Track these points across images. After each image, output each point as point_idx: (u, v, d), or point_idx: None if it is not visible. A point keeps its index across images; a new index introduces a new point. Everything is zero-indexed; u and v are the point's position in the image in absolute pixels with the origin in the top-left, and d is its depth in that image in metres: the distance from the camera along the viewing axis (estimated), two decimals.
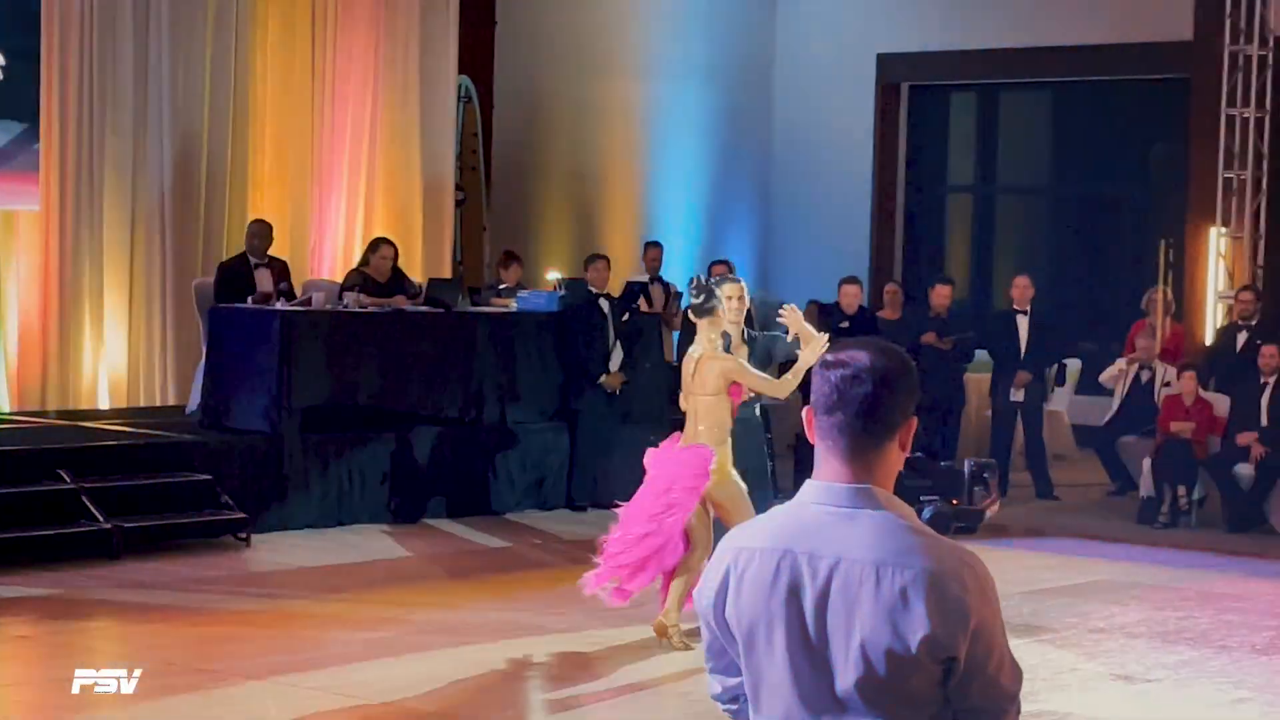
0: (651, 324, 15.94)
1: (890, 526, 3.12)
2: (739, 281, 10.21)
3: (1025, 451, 16.30)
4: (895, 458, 3.19)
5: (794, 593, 3.16)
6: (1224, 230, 17.32)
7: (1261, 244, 17.36)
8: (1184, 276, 18.01)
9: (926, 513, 3.36)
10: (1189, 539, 14.38)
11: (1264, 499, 14.75)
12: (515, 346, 14.80)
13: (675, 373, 15.74)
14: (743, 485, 9.91)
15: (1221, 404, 15.38)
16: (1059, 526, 14.63)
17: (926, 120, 20.52)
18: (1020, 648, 10.26)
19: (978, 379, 17.43)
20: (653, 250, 17.34)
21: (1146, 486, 15.12)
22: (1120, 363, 16.51)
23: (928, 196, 20.68)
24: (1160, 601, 11.82)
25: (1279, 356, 15.08)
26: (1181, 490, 14.95)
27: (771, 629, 3.18)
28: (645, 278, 16.81)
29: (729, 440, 9.90)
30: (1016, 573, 12.60)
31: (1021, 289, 16.24)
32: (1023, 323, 16.09)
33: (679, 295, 17.06)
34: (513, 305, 15.18)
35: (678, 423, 15.54)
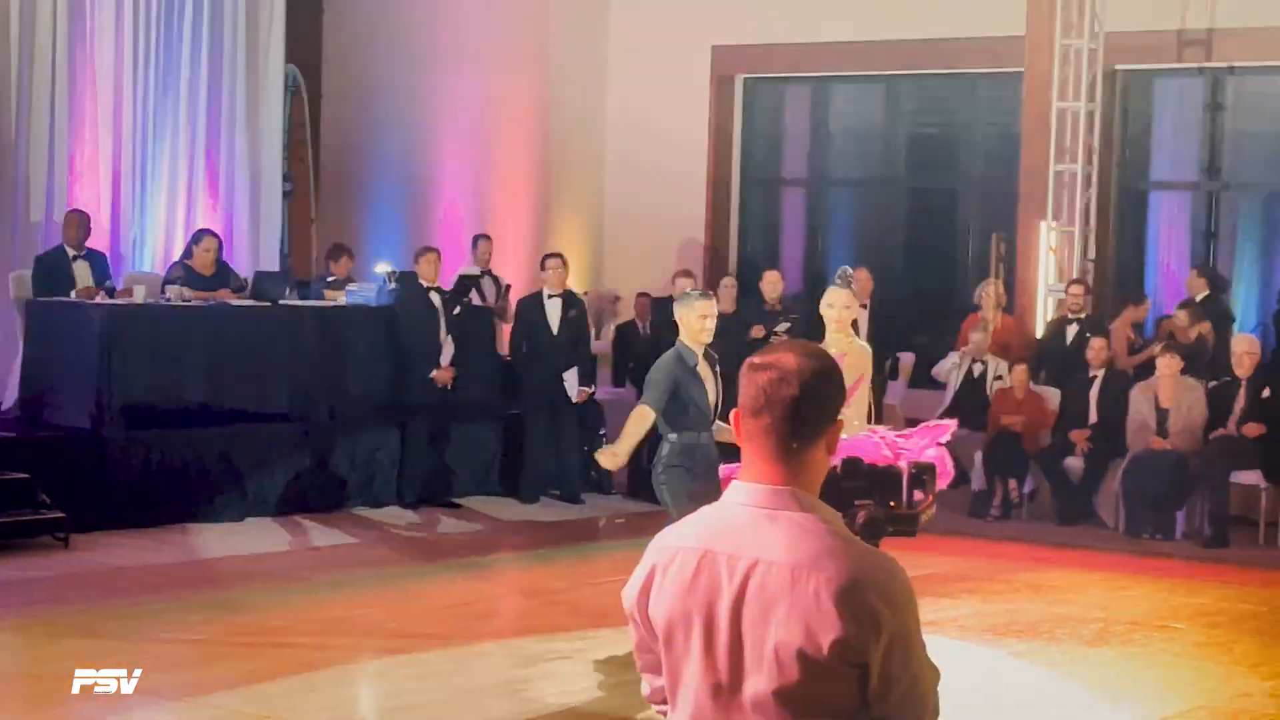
0: (483, 317, 15.74)
1: (811, 529, 3.13)
2: (712, 299, 9.51)
3: None
4: (821, 460, 3.22)
5: (712, 592, 3.18)
6: (1055, 224, 17.42)
7: (1092, 237, 17.49)
8: (1015, 270, 18.10)
9: (861, 518, 3.27)
10: (1020, 531, 14.46)
11: (1093, 492, 14.86)
12: (345, 340, 14.56)
13: (507, 367, 15.66)
14: None
15: (1052, 397, 15.47)
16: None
17: (761, 113, 20.49)
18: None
19: None
20: (483, 243, 17.16)
21: (978, 480, 15.18)
22: (953, 356, 16.56)
23: (762, 189, 20.64)
24: (991, 594, 11.86)
25: (1108, 350, 15.20)
26: (1013, 483, 15.02)
27: (689, 628, 3.20)
28: (477, 271, 16.62)
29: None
30: None
31: (861, 283, 16.20)
32: (862, 316, 16.07)
33: (509, 288, 16.87)
34: (342, 299, 14.93)
35: (511, 417, 15.41)
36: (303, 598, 11.11)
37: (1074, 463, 14.88)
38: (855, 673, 3.09)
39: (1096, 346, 15.16)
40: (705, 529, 3.24)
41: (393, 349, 14.64)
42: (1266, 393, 14.25)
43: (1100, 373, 15.07)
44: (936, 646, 8.86)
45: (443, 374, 14.57)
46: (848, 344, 9.79)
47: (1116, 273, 18.04)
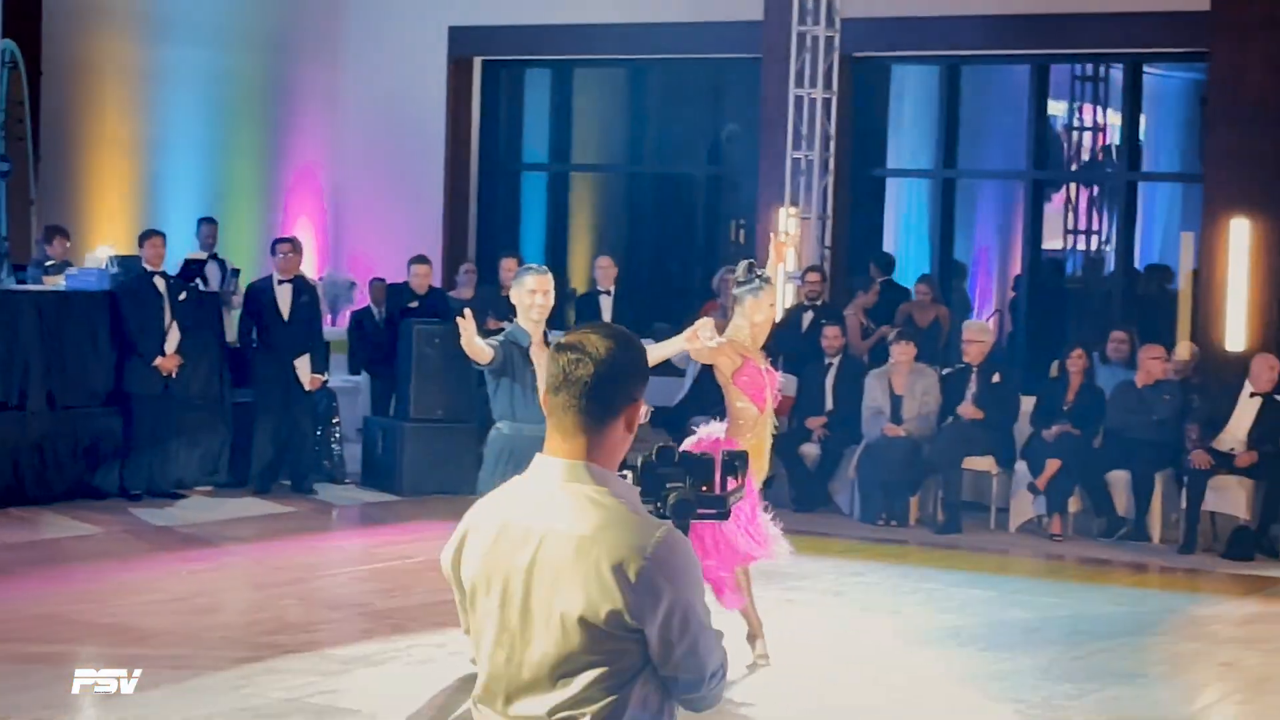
0: (211, 304, 15.29)
1: (599, 502, 3.32)
2: (545, 274, 8.89)
3: None
4: (619, 437, 3.40)
5: (508, 559, 3.38)
6: (793, 211, 17.45)
7: (829, 225, 17.56)
8: (755, 256, 18.10)
9: (672, 498, 3.23)
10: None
11: (828, 478, 14.89)
12: (64, 326, 14.01)
13: (236, 354, 15.23)
14: None
15: (789, 384, 15.45)
16: None
17: (500, 96, 20.26)
18: None
19: None
20: (207, 226, 16.68)
21: None
22: None
23: (502, 174, 20.42)
24: None
25: (841, 338, 15.24)
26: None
27: (489, 592, 3.42)
28: (203, 255, 16.14)
29: (752, 437, 8.98)
30: None
31: (604, 270, 16.06)
32: (606, 303, 15.93)
33: (237, 273, 16.42)
34: (61, 283, 14.38)
35: (240, 406, 15.00)
36: (18, 592, 10.65)
37: (810, 449, 14.90)
38: (635, 637, 3.29)
39: (830, 334, 15.19)
40: (507, 499, 3.46)
41: (115, 335, 14.14)
42: (997, 378, 14.39)
43: (836, 360, 15.10)
44: None
45: (168, 361, 14.11)
46: (751, 341, 9.18)
47: (853, 260, 18.14)
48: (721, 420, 9.07)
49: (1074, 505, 14.03)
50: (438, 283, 16.84)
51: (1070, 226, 19.74)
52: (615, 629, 3.29)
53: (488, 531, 3.45)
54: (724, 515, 3.71)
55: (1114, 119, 18.74)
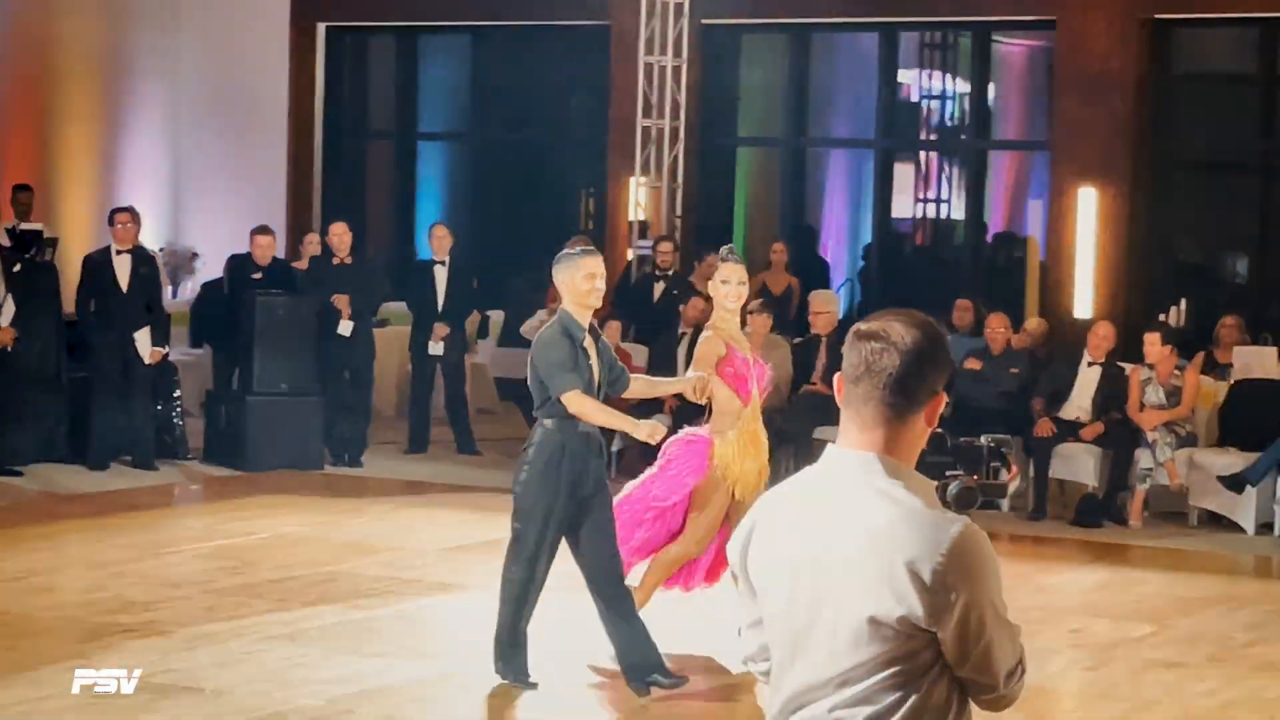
0: (47, 275, 14.87)
1: (896, 498, 3.18)
2: (599, 256, 8.12)
3: (446, 405, 15.91)
4: (919, 432, 3.26)
5: (797, 555, 3.25)
6: (643, 180, 17.33)
7: (680, 194, 17.46)
8: (605, 226, 17.97)
9: (953, 488, 3.09)
10: (611, 489, 14.27)
11: None
12: None
13: (71, 329, 14.84)
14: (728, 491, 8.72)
15: (640, 354, 15.35)
16: (481, 481, 14.36)
17: (344, 63, 19.94)
18: (436, 606, 9.91)
19: (397, 332, 16.99)
20: (23, 194, 16.21)
21: None
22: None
23: (347, 142, 20.11)
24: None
25: (702, 308, 15.12)
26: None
27: (777, 587, 3.28)
28: (40, 226, 15.71)
29: (736, 433, 8.66)
30: (435, 530, 12.28)
31: (439, 239, 15.80)
32: (440, 273, 15.65)
33: (55, 242, 15.91)
34: None
35: (76, 381, 14.61)
36: None
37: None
38: (928, 637, 3.16)
39: (698, 306, 15.05)
40: (798, 492, 3.32)
41: None
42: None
43: (690, 330, 14.99)
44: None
45: (1, 335, 13.71)
46: (738, 331, 8.85)
47: (703, 229, 18.05)
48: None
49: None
50: (282, 254, 16.51)
51: (920, 195, 19.78)
52: (907, 629, 3.15)
53: (777, 525, 3.33)
54: (998, 506, 3.51)
55: (963, 87, 18.78)
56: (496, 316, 17.80)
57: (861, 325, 3.28)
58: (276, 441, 14.52)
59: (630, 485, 8.89)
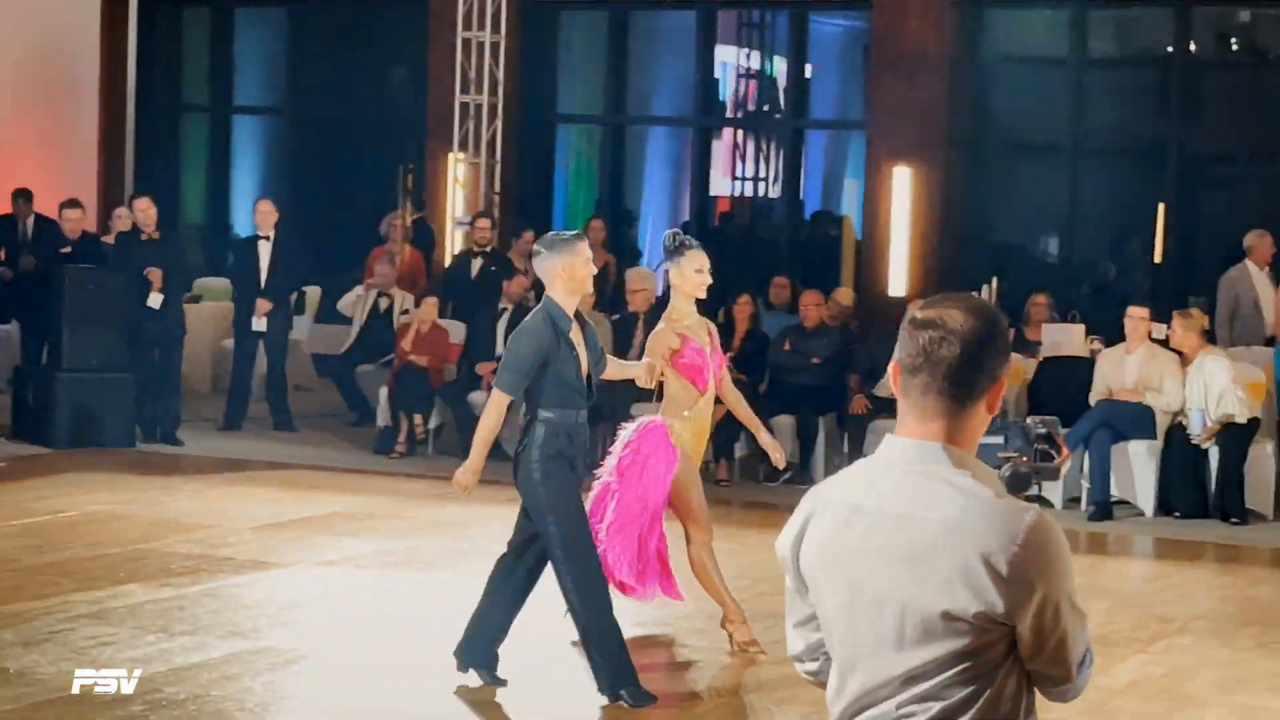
0: None
1: (964, 488, 3.09)
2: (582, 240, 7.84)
3: (266, 382, 15.72)
4: (979, 420, 3.16)
5: (860, 547, 3.14)
6: (462, 156, 17.26)
7: (498, 170, 17.40)
8: (424, 202, 17.88)
9: (1007, 470, 3.00)
10: (426, 467, 14.23)
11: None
12: None
13: None
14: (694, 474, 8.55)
15: (457, 331, 15.29)
16: (297, 458, 14.24)
17: (158, 36, 19.63)
18: (248, 584, 9.80)
19: (212, 308, 16.76)
20: None
21: (384, 415, 14.89)
22: (358, 289, 16.22)
23: (160, 116, 19.80)
24: (394, 531, 11.61)
25: (524, 285, 15.08)
26: (418, 418, 14.78)
27: (834, 582, 3.18)
28: None
29: (688, 418, 8.47)
30: (249, 507, 12.15)
31: (264, 214, 15.60)
32: (264, 249, 15.46)
33: None
34: None
35: None
36: None
37: (480, 397, 14.72)
38: (1001, 630, 3.06)
39: (517, 283, 15.01)
40: (855, 482, 3.21)
41: None
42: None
43: (509, 306, 14.94)
44: (339, 582, 8.45)
45: None
46: (696, 320, 8.58)
47: (522, 206, 18.01)
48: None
49: (740, 450, 14.11)
50: (92, 227, 16.22)
51: (738, 173, 19.89)
52: (983, 623, 3.05)
53: (834, 517, 3.19)
54: (1055, 481, 3.39)
55: (780, 66, 18.91)
56: (313, 292, 17.63)
57: (917, 313, 3.17)
58: (86, 419, 14.28)
59: (600, 485, 8.52)
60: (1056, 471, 3.39)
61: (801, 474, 13.90)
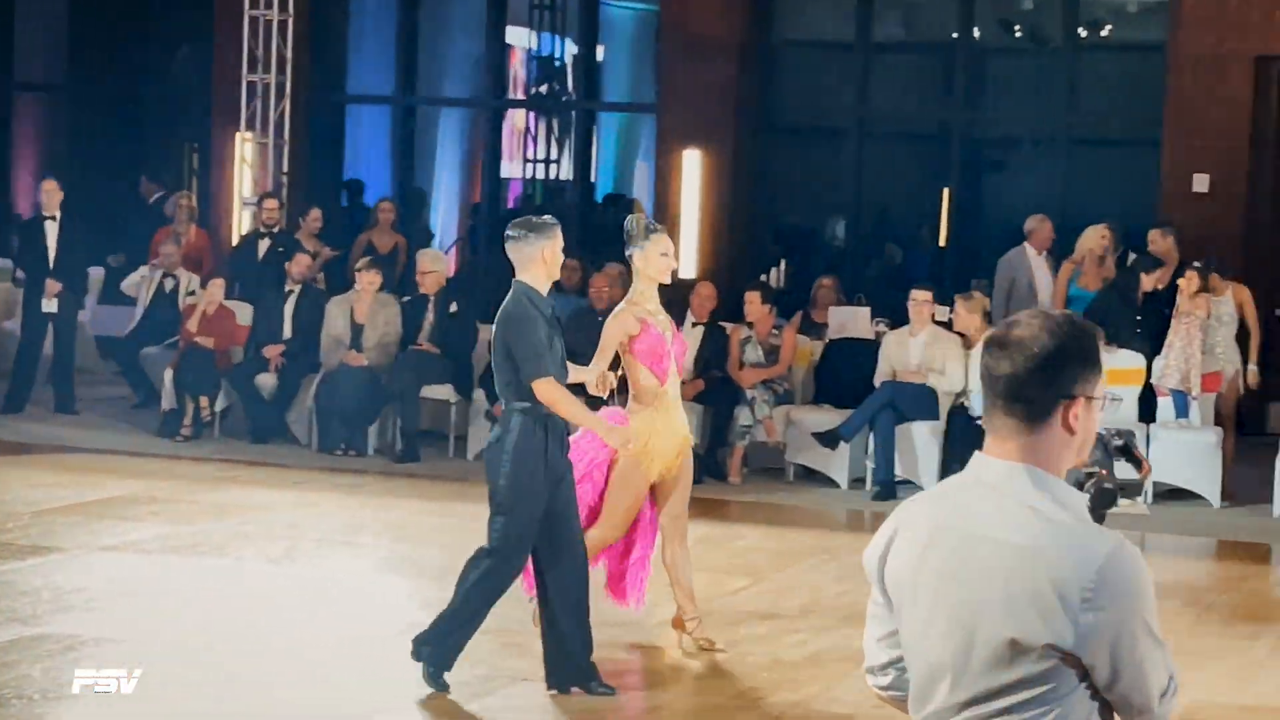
0: None
1: (1042, 511, 3.02)
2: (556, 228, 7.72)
3: (53, 364, 15.37)
4: (1059, 440, 3.07)
5: (939, 566, 3.09)
6: (249, 135, 17.04)
7: (286, 150, 17.20)
8: (210, 182, 17.63)
9: (1091, 487, 2.84)
10: (212, 450, 14.05)
11: (286, 409, 14.60)
12: None
13: None
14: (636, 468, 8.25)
15: (244, 312, 15.10)
16: (79, 441, 13.98)
17: None
18: (25, 570, 9.62)
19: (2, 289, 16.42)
20: None
21: (169, 398, 14.66)
22: (143, 270, 15.94)
23: None
24: (178, 516, 11.45)
25: (308, 265, 14.93)
26: (204, 401, 14.57)
27: (915, 599, 3.14)
28: None
29: (652, 411, 8.23)
30: (29, 491, 11.91)
31: (49, 193, 15.25)
32: (51, 229, 15.13)
33: None
34: None
35: None
36: None
37: (267, 379, 14.56)
38: (1072, 660, 2.99)
39: (302, 263, 14.84)
40: (939, 499, 3.19)
41: None
42: (455, 308, 14.35)
43: (296, 288, 14.79)
44: (121, 567, 8.31)
45: None
46: (658, 305, 8.37)
47: (311, 186, 17.83)
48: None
49: None
50: None
51: (530, 155, 19.87)
52: (1049, 653, 2.98)
53: (918, 534, 3.15)
54: (1137, 497, 3.31)
55: (571, 49, 18.92)
56: (96, 273, 17.30)
57: (993, 330, 3.14)
58: None
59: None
60: (1140, 486, 3.32)
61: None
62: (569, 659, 7.70)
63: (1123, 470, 3.49)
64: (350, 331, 14.33)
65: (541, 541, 7.65)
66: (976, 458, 3.16)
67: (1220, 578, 11.10)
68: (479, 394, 14.09)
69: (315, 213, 16.25)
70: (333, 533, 11.17)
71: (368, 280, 14.40)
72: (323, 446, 14.18)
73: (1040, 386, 3.07)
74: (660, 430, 8.23)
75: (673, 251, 8.32)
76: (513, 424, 7.51)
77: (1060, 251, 14.84)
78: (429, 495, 12.68)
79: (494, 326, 7.64)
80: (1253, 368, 13.40)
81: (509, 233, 7.62)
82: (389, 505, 12.25)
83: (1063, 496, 3.08)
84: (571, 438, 7.97)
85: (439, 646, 7.68)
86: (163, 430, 14.48)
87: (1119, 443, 3.28)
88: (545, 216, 7.78)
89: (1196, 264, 13.26)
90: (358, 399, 14.10)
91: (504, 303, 7.62)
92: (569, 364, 7.81)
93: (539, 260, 7.51)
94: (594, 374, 8.05)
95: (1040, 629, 2.99)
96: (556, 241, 7.55)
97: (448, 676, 7.69)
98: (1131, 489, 3.28)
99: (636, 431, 8.06)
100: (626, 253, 8.27)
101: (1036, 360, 3.05)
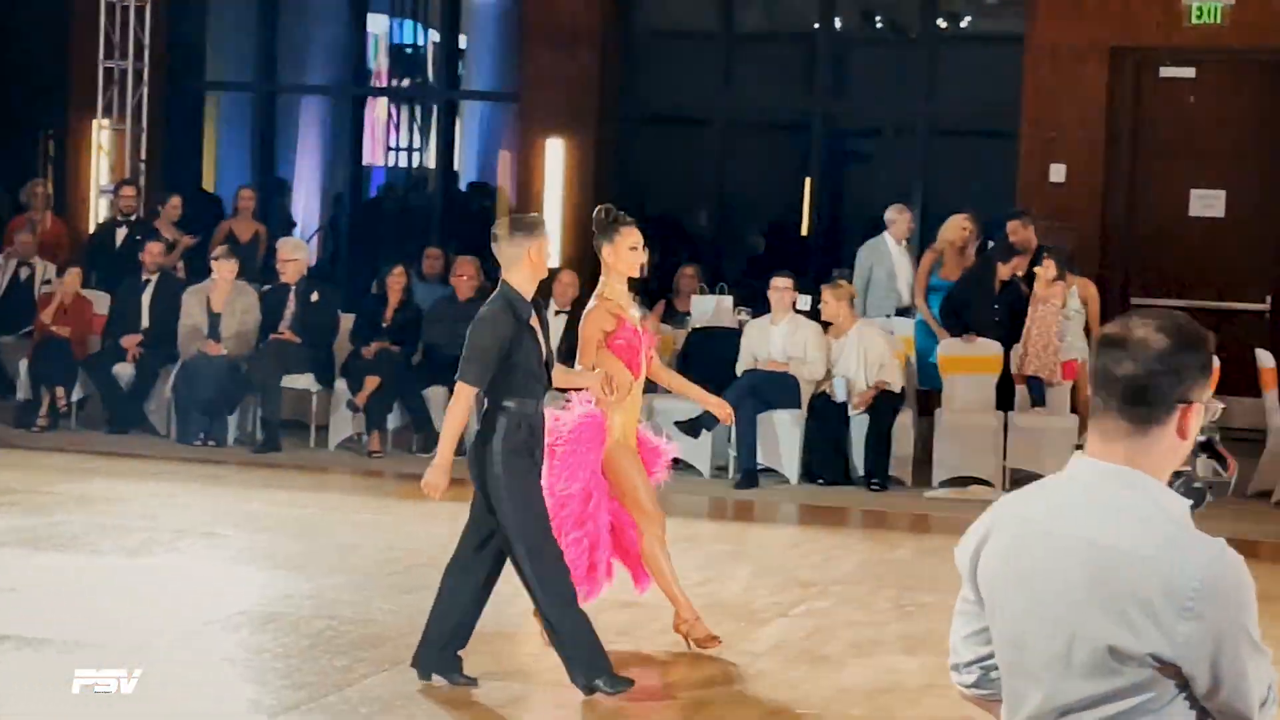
0: None
1: (1146, 517, 2.95)
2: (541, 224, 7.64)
3: None
4: (1168, 445, 3.01)
5: (1032, 569, 3.03)
6: (106, 122, 16.81)
7: (144, 137, 16.99)
8: (66, 169, 17.38)
9: (1180, 486, 2.72)
10: (68, 441, 13.88)
11: (144, 399, 14.45)
12: None
13: None
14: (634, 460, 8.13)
15: (101, 302, 14.91)
16: None
17: None
18: None
19: None
20: None
21: (24, 389, 14.45)
22: None
23: None
24: (33, 507, 11.29)
25: (161, 255, 14.77)
26: (60, 391, 14.38)
27: (1007, 600, 3.07)
28: None
29: (629, 404, 8.07)
30: None
31: None
32: None
33: None
34: None
35: None
36: None
37: (124, 369, 14.40)
38: (1171, 669, 2.92)
39: (154, 250, 14.68)
40: (1036, 499, 3.11)
41: None
42: (316, 297, 14.26)
43: (154, 277, 14.62)
44: None
45: None
46: (628, 299, 8.18)
47: (169, 174, 17.62)
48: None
49: (393, 421, 14.05)
50: None
51: (392, 144, 19.76)
52: (1149, 661, 2.90)
53: (1015, 534, 3.07)
54: (1225, 494, 3.20)
55: (434, 37, 18.83)
56: None
57: (1108, 328, 3.05)
58: None
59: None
60: (1228, 485, 3.26)
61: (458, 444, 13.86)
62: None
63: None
64: (208, 320, 14.20)
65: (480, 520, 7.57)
66: (1077, 458, 3.08)
67: None
68: (340, 383, 14.01)
69: (175, 200, 16.08)
70: (192, 524, 11.05)
71: (224, 269, 14.27)
72: (181, 437, 14.05)
73: (1162, 390, 2.99)
74: (624, 423, 8.11)
75: (642, 244, 8.13)
76: (498, 423, 7.42)
77: (921, 241, 14.97)
78: (290, 485, 12.59)
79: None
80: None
81: (495, 232, 7.51)
82: (249, 496, 12.14)
83: (1166, 502, 3.02)
84: (558, 444, 7.89)
85: (581, 659, 7.45)
86: (18, 421, 14.29)
87: (1202, 439, 3.19)
88: (532, 215, 7.72)
89: (1049, 248, 13.45)
90: (217, 389, 13.98)
91: (486, 301, 7.54)
92: (561, 366, 7.78)
93: (525, 260, 7.39)
94: (594, 380, 7.91)
95: (1140, 637, 2.92)
96: (543, 241, 7.44)
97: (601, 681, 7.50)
98: (1220, 487, 3.22)
99: (616, 424, 7.99)
100: (595, 245, 8.10)
101: (1161, 362, 2.98)
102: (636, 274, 8.19)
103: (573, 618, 7.46)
